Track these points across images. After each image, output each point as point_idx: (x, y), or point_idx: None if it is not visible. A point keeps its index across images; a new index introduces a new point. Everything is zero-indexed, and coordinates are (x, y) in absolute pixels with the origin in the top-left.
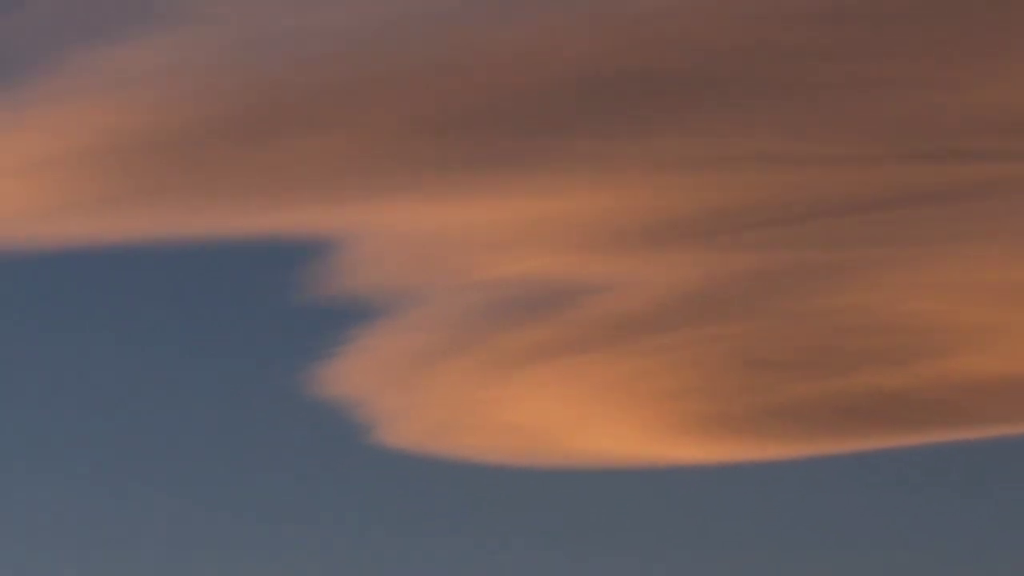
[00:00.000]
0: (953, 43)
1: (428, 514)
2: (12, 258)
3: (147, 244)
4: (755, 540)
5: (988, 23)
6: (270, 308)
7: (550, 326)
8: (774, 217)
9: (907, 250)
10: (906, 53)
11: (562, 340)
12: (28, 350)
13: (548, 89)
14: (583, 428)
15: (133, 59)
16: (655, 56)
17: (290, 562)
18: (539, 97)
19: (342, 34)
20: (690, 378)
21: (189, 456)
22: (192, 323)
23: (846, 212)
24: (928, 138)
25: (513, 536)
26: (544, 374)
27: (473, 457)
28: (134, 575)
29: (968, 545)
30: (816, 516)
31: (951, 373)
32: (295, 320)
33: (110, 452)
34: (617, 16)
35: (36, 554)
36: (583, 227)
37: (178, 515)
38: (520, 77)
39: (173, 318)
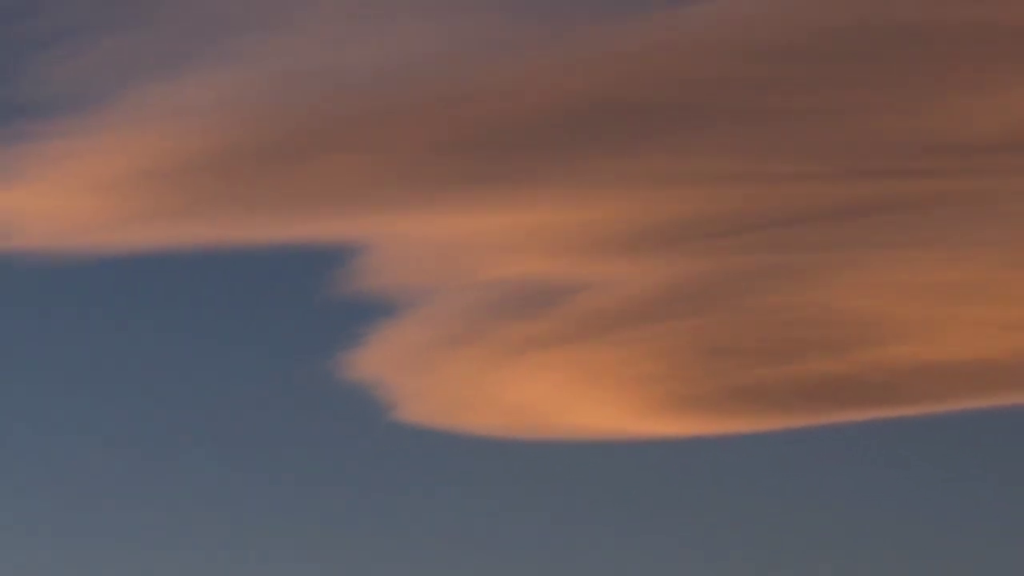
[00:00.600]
0: (890, 77)
1: (441, 479)
2: (87, 262)
3: (200, 249)
4: (718, 501)
5: (922, 60)
6: (305, 304)
7: (543, 320)
8: (734, 226)
9: (849, 255)
10: (849, 85)
11: (553, 332)
12: (102, 340)
13: (541, 117)
14: (572, 406)
15: (188, 92)
16: (632, 88)
17: (323, 519)
18: (533, 124)
19: (365, 70)
20: (663, 364)
21: (239, 430)
22: (239, 317)
23: (796, 222)
24: (867, 158)
25: (512, 498)
26: (539, 361)
27: (478, 431)
28: (191, 530)
29: (899, 505)
30: (770, 481)
31: (886, 360)
32: (327, 314)
33: (175, 426)
34: (600, 54)
35: (99, 520)
36: (571, 235)
37: (229, 479)
38: (517, 107)
39: (223, 312)
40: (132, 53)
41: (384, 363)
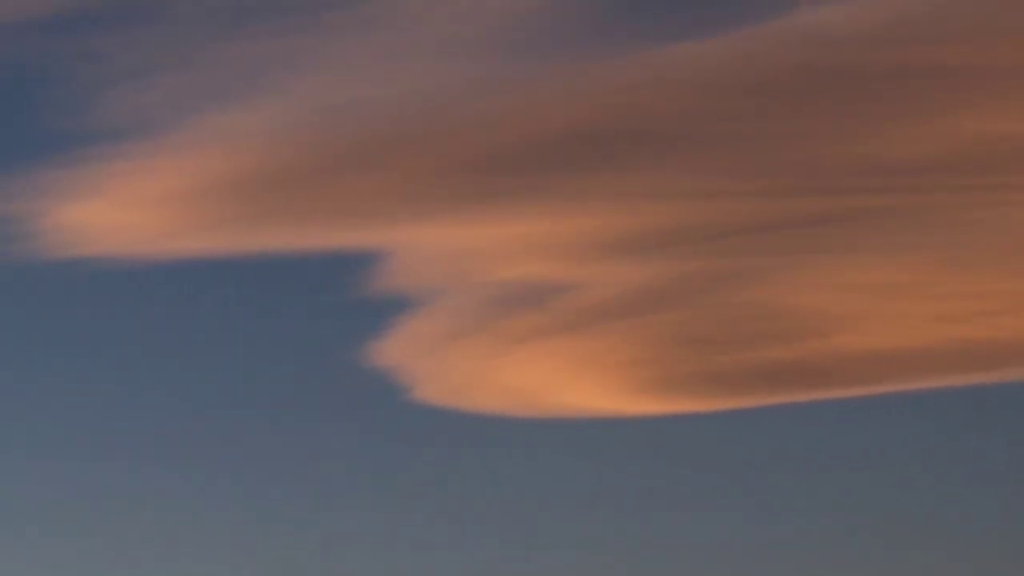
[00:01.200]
0: (830, 109)
1: (451, 451)
2: (153, 268)
3: (249, 255)
4: (689, 470)
5: (856, 96)
6: (336, 301)
7: (541, 314)
8: (703, 234)
9: (799, 259)
10: (796, 116)
11: (550, 324)
12: (165, 338)
13: (538, 142)
14: (566, 388)
15: (239, 121)
16: (616, 119)
17: (349, 485)
18: (531, 148)
19: (389, 102)
20: (644, 352)
21: (278, 411)
22: (280, 312)
23: (755, 231)
24: (812, 178)
25: (513, 467)
26: (537, 349)
27: (484, 410)
28: (234, 495)
29: (842, 476)
30: (734, 454)
31: (831, 348)
32: (354, 310)
33: (230, 400)
34: (588, 90)
35: (150, 483)
36: (564, 243)
37: (277, 451)
38: (518, 134)
39: (267, 309)
40: (192, 88)
41: (403, 352)
